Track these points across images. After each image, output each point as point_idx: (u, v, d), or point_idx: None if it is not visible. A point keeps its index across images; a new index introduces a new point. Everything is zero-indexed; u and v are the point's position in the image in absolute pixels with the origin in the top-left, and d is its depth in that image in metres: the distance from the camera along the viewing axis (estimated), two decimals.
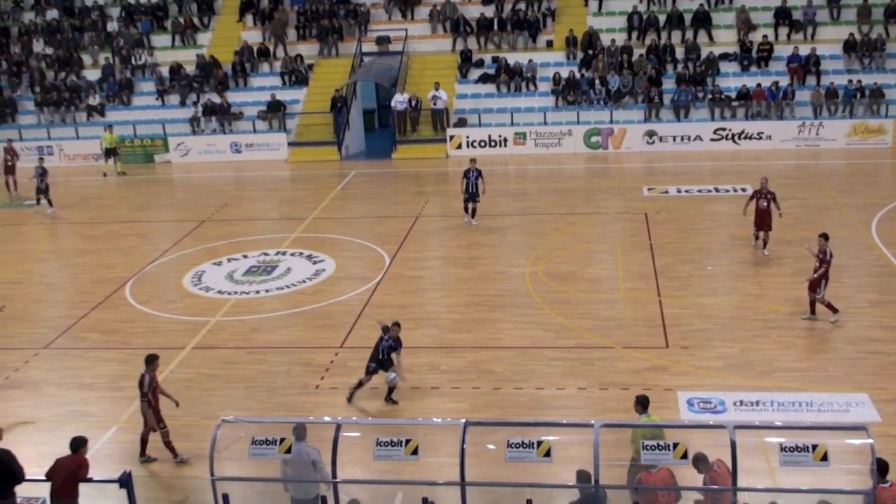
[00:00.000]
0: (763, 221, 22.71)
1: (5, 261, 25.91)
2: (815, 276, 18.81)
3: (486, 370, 17.72)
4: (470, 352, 18.55)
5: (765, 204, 22.50)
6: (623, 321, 19.70)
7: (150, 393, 14.73)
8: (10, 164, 34.02)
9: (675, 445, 10.29)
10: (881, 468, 10.61)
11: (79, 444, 12.36)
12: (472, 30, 39.53)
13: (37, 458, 13.51)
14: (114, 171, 36.21)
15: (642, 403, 13.02)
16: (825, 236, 18.99)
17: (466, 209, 26.69)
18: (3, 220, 30.49)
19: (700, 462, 11.25)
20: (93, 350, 19.69)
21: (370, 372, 16.53)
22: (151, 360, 14.98)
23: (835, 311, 18.93)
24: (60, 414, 16.92)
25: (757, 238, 23.11)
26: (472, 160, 26.81)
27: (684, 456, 10.30)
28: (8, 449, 11.96)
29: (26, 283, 24.43)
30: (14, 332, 20.84)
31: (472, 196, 26.40)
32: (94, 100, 39.83)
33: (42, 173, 30.98)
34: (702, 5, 38.67)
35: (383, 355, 16.47)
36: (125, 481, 11.43)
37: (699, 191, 29.61)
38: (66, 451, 12.61)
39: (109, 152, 36.24)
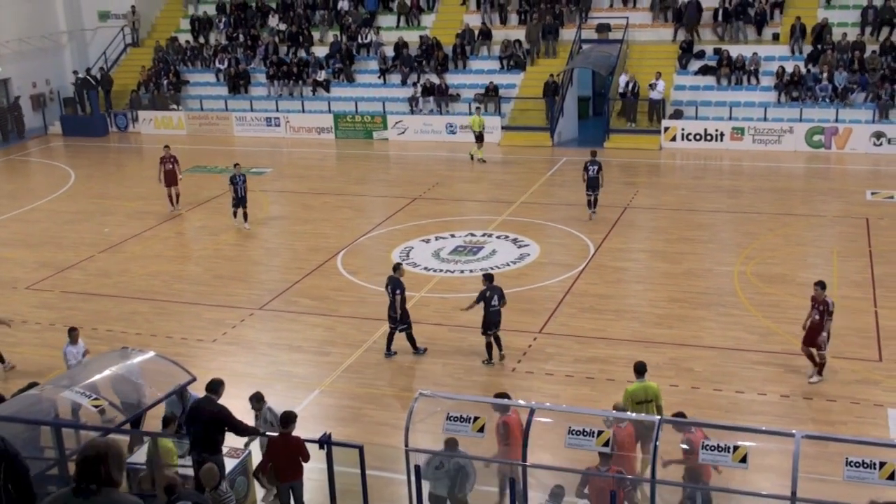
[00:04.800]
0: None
1: (232, 224, 27.37)
2: (824, 331, 16.51)
3: (685, 368, 17.46)
4: (670, 348, 18.30)
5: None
6: (834, 330, 18.80)
7: None
8: (172, 172, 28.47)
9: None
10: None
11: (289, 420, 12.48)
12: (698, 20, 38.51)
13: (243, 413, 14.23)
14: (478, 156, 34.51)
15: (638, 370, 13.86)
16: (822, 284, 16.74)
17: (589, 202, 26.62)
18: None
19: None
20: (303, 315, 20.68)
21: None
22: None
23: (820, 372, 16.75)
24: (270, 372, 17.93)
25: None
26: (593, 152, 27.52)
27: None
28: (224, 405, 12.68)
29: (247, 245, 25.91)
30: (234, 292, 22.19)
31: (592, 189, 26.50)
32: (321, 75, 41.49)
33: (242, 181, 26.67)
34: None
35: None
36: (326, 442, 11.97)
37: None
38: (276, 407, 13.32)
39: (478, 136, 34.71)
